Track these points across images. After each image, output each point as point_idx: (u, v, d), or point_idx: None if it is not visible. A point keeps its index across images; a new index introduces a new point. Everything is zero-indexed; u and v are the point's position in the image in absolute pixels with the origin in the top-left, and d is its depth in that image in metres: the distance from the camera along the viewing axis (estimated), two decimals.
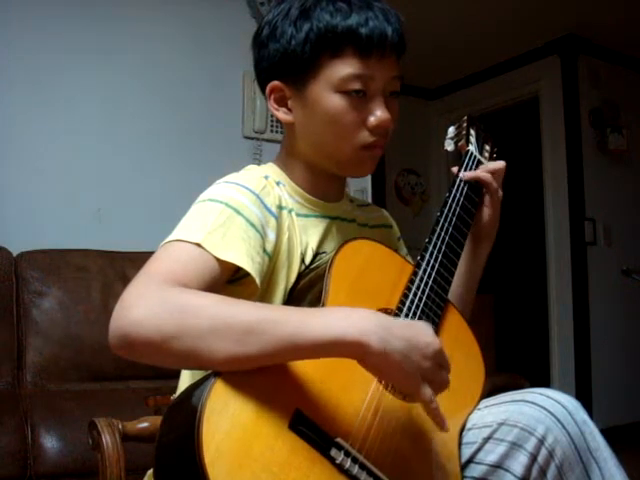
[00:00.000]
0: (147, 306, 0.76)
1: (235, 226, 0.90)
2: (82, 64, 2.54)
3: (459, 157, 1.18)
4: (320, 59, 0.98)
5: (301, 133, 1.04)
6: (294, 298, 0.98)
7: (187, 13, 2.77)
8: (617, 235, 4.09)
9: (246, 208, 0.92)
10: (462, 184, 1.12)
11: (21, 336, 2.08)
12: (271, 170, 1.07)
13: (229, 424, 0.72)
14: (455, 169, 1.15)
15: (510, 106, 4.51)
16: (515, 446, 0.89)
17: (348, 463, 0.78)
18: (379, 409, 0.86)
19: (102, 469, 1.03)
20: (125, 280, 2.15)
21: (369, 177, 3.06)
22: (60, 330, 2.11)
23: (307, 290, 0.96)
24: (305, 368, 0.80)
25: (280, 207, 1.00)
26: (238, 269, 0.89)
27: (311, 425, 0.77)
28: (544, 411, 0.89)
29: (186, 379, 0.99)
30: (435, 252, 1.03)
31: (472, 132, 1.21)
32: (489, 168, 1.14)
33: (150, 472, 1.02)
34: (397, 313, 0.94)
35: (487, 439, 0.93)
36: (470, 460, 0.94)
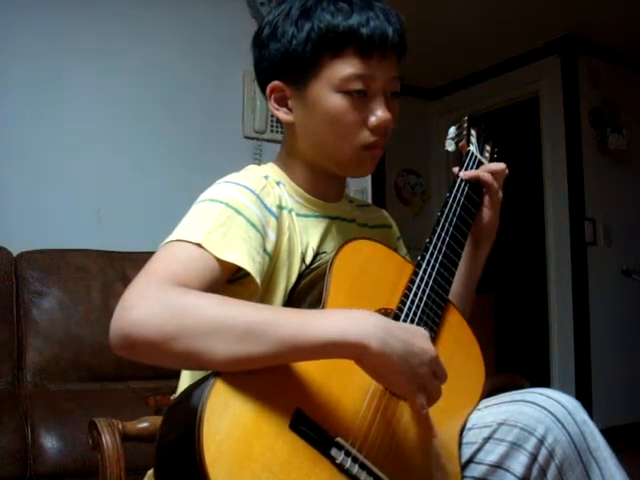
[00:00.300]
0: (148, 306, 0.77)
1: (235, 226, 0.90)
2: (82, 64, 2.54)
3: (460, 157, 1.18)
4: (321, 59, 0.98)
5: (301, 133, 1.04)
6: (294, 298, 0.98)
7: (187, 13, 2.77)
8: (617, 235, 4.09)
9: (246, 208, 0.92)
10: (463, 184, 1.12)
11: (21, 336, 2.08)
12: (271, 170, 1.07)
13: (229, 424, 0.72)
14: (456, 169, 1.15)
15: (510, 106, 4.51)
16: (515, 446, 0.89)
17: (348, 463, 0.79)
18: (379, 409, 0.86)
19: (102, 469, 1.03)
20: (125, 280, 2.16)
21: (369, 177, 3.06)
22: (60, 330, 2.11)
23: (308, 290, 0.96)
24: (305, 368, 0.80)
25: (280, 207, 1.00)
26: (239, 269, 0.89)
27: (311, 425, 0.78)
28: (544, 411, 0.89)
29: (186, 379, 0.99)
30: (435, 252, 1.03)
31: (473, 132, 1.21)
32: (490, 168, 1.14)
33: (150, 472, 1.02)
34: (397, 313, 0.94)
35: (487, 439, 0.93)
36: (470, 460, 0.94)
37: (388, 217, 1.25)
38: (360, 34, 0.96)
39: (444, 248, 1.04)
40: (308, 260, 1.01)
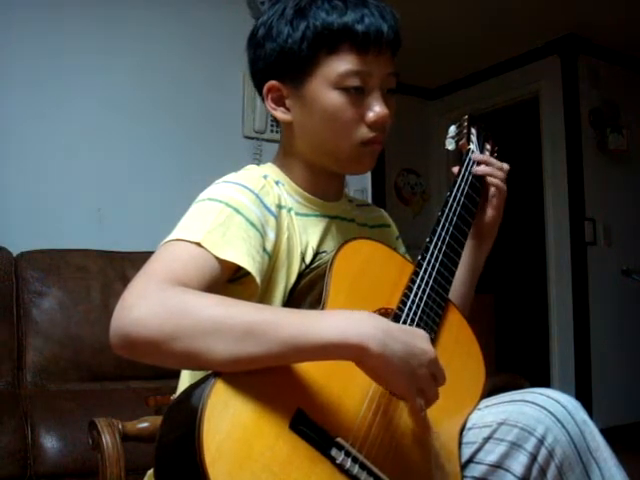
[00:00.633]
0: (148, 306, 0.77)
1: (235, 225, 0.90)
2: (82, 64, 2.54)
3: (460, 156, 1.18)
4: (317, 57, 0.98)
5: (300, 131, 1.04)
6: (294, 298, 0.98)
7: (187, 13, 2.77)
8: (617, 235, 4.09)
9: (246, 207, 0.92)
10: (463, 184, 1.12)
11: (21, 336, 2.08)
12: (270, 170, 1.07)
13: (229, 424, 0.72)
14: (456, 169, 1.15)
15: (510, 106, 4.51)
16: (515, 446, 0.89)
17: (348, 463, 0.79)
18: (379, 409, 0.86)
19: (102, 469, 1.03)
20: (125, 280, 2.15)
21: (369, 177, 3.06)
22: (60, 330, 2.11)
23: (307, 290, 0.96)
24: (306, 368, 0.80)
25: (279, 206, 1.00)
26: (238, 268, 0.89)
27: (312, 425, 0.78)
28: (544, 411, 0.89)
29: (186, 379, 0.99)
30: (436, 252, 1.03)
31: (473, 131, 1.21)
32: (499, 166, 1.15)
33: (150, 472, 1.02)
34: (398, 313, 0.94)
35: (487, 439, 0.93)
36: (470, 460, 0.94)
37: (387, 216, 1.26)
38: (355, 31, 0.97)
39: (444, 248, 1.04)
40: (308, 259, 1.01)
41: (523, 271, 5.05)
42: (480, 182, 1.14)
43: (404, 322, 0.93)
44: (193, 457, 0.69)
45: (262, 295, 0.96)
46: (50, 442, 1.80)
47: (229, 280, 0.91)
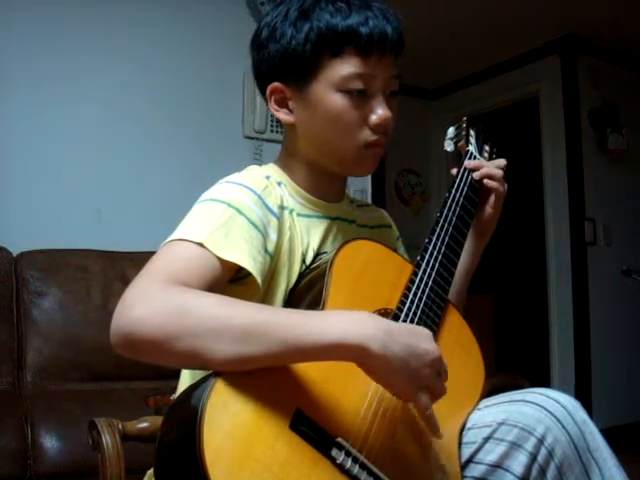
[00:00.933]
0: (149, 305, 0.77)
1: (237, 226, 0.90)
2: (82, 65, 2.54)
3: (459, 157, 1.18)
4: (321, 59, 0.98)
5: (303, 133, 1.04)
6: (294, 298, 0.98)
7: (187, 13, 2.77)
8: (617, 235, 4.09)
9: (248, 208, 0.93)
10: (462, 184, 1.12)
11: (21, 336, 2.08)
12: (272, 170, 1.07)
13: (230, 424, 0.72)
14: (455, 171, 1.15)
15: (510, 106, 4.50)
16: (515, 446, 0.89)
17: (349, 463, 0.79)
18: (379, 409, 0.86)
19: (102, 469, 1.04)
20: (125, 280, 2.15)
21: (369, 177, 3.06)
22: (60, 330, 2.11)
23: (307, 290, 0.96)
24: (306, 368, 0.80)
25: (282, 207, 1.00)
26: (240, 269, 0.89)
27: (312, 425, 0.78)
28: (544, 411, 0.89)
29: (186, 379, 0.99)
30: (435, 252, 1.03)
31: (472, 132, 1.21)
32: (496, 164, 1.15)
33: (150, 472, 1.03)
34: (397, 313, 0.94)
35: (487, 439, 0.93)
36: (470, 460, 0.94)
37: (387, 217, 1.26)
38: (359, 33, 0.97)
39: (443, 248, 1.04)
40: (308, 260, 1.01)
41: (523, 271, 5.05)
42: (479, 182, 1.14)
43: (403, 322, 0.93)
44: (193, 456, 0.69)
45: (263, 296, 0.96)
46: (50, 442, 1.80)
47: (230, 280, 0.91)
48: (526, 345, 4.78)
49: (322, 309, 0.88)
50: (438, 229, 1.05)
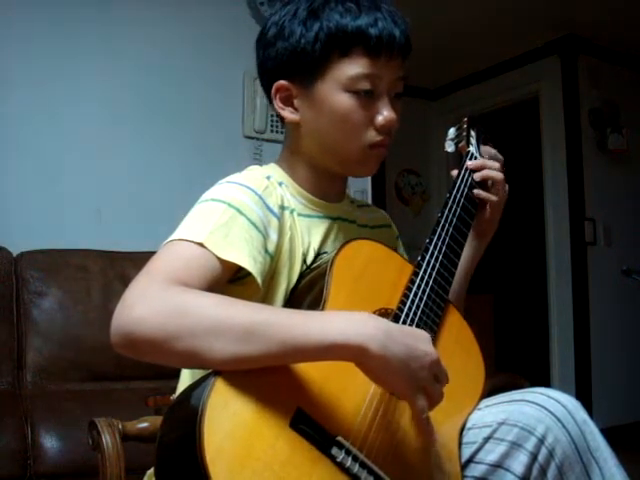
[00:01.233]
0: (149, 305, 0.77)
1: (237, 226, 0.90)
2: (82, 65, 2.54)
3: (459, 158, 1.18)
4: (329, 58, 0.99)
5: (307, 132, 1.04)
6: (295, 298, 0.98)
7: (187, 13, 2.77)
8: (617, 235, 4.09)
9: (248, 208, 0.93)
10: (462, 185, 1.12)
11: (21, 336, 2.08)
12: (273, 170, 1.07)
13: (230, 423, 0.72)
14: (455, 172, 1.15)
15: (510, 106, 4.51)
16: (515, 446, 0.89)
17: (349, 462, 0.79)
18: (380, 408, 0.86)
19: (102, 469, 1.04)
20: (125, 280, 2.15)
21: (369, 178, 3.06)
22: (60, 330, 2.11)
23: (308, 290, 0.96)
24: (306, 367, 0.80)
25: (282, 207, 1.00)
26: (240, 269, 0.89)
27: (312, 424, 0.78)
28: (544, 411, 0.89)
29: (186, 379, 0.99)
30: (435, 252, 1.03)
31: (472, 133, 1.21)
32: (496, 165, 1.15)
33: (150, 472, 1.03)
34: (397, 313, 0.94)
35: (487, 439, 0.93)
36: (470, 460, 0.94)
37: (387, 217, 1.26)
38: (369, 34, 0.97)
39: (444, 248, 1.04)
40: (309, 260, 1.01)
41: (523, 271, 5.05)
42: (479, 182, 1.14)
43: (404, 322, 0.94)
44: (194, 456, 0.69)
45: (264, 296, 0.96)
46: (50, 442, 1.80)
47: (230, 280, 0.91)
48: (526, 345, 4.78)
49: (322, 309, 0.88)
50: (439, 229, 1.05)
